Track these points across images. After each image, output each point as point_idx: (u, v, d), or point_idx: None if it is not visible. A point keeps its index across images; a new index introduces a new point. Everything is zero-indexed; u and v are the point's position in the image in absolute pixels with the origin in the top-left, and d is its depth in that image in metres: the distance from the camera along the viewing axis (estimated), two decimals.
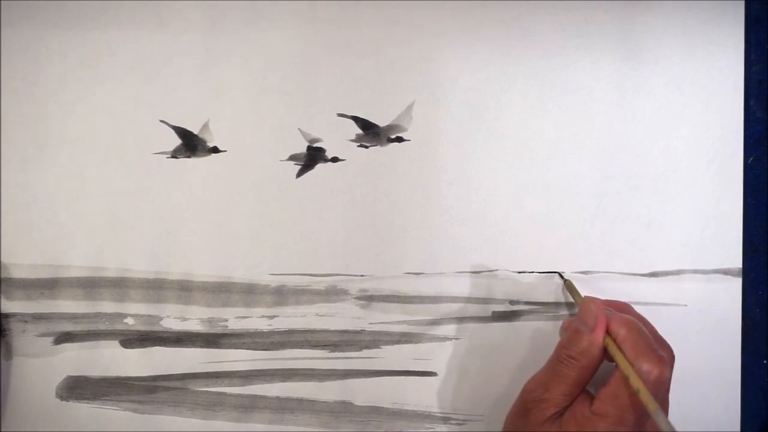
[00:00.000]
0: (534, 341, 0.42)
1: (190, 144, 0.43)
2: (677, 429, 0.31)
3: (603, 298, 0.40)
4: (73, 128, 0.43)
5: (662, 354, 0.34)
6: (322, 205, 0.42)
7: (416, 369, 0.43)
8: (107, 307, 0.43)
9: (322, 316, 0.43)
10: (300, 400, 0.43)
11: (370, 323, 0.43)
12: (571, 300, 0.41)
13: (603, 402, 0.34)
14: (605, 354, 0.36)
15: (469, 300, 0.42)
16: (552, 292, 0.42)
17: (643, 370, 0.33)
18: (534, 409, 0.36)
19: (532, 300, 0.42)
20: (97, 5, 0.42)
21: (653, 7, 0.42)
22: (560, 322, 0.42)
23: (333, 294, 0.43)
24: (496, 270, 0.42)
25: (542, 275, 0.42)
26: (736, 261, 0.42)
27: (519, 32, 0.42)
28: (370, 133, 0.42)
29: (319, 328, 0.43)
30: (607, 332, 0.35)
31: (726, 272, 0.42)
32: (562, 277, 0.42)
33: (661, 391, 0.34)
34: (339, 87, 0.42)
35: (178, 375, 0.43)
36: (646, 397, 0.32)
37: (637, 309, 0.40)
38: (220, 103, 0.42)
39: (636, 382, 0.33)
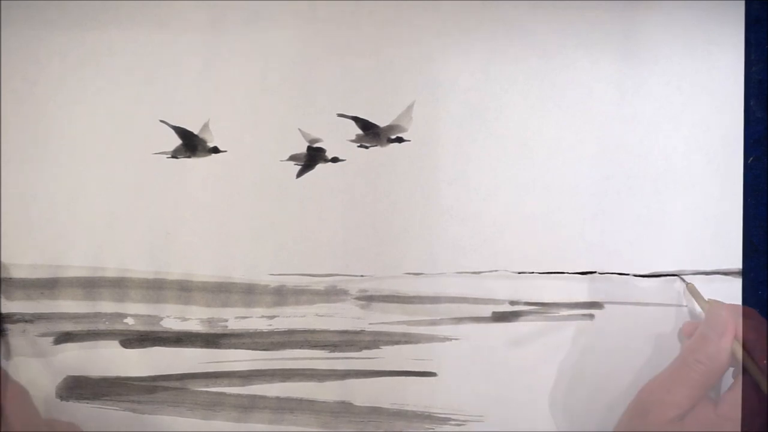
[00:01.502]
0: (534, 341, 0.42)
1: (190, 144, 0.43)
2: None
3: (728, 302, 0.39)
4: (73, 128, 0.43)
5: None
6: (322, 205, 0.42)
7: (416, 369, 0.42)
8: (107, 307, 0.43)
9: (321, 316, 0.43)
10: (300, 401, 0.43)
11: (370, 323, 0.43)
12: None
13: (730, 405, 0.34)
14: (733, 359, 0.35)
15: (468, 300, 0.42)
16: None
17: None
18: (654, 411, 0.36)
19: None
20: (97, 5, 0.42)
21: (653, 7, 0.42)
22: (559, 323, 0.42)
23: (333, 294, 0.43)
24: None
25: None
26: (736, 261, 0.42)
27: (519, 32, 0.42)
28: (370, 133, 0.42)
29: (319, 328, 0.43)
30: (735, 337, 0.35)
31: (726, 272, 0.42)
32: (683, 280, 0.41)
33: None
34: (339, 87, 0.42)
35: (177, 375, 0.43)
36: None
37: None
38: (220, 103, 0.42)
39: None
